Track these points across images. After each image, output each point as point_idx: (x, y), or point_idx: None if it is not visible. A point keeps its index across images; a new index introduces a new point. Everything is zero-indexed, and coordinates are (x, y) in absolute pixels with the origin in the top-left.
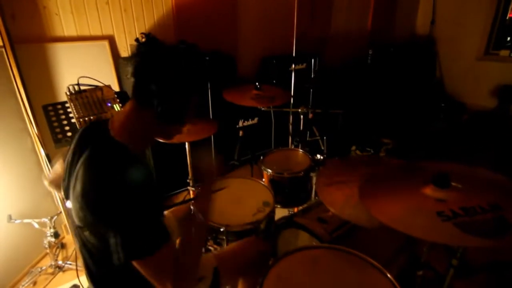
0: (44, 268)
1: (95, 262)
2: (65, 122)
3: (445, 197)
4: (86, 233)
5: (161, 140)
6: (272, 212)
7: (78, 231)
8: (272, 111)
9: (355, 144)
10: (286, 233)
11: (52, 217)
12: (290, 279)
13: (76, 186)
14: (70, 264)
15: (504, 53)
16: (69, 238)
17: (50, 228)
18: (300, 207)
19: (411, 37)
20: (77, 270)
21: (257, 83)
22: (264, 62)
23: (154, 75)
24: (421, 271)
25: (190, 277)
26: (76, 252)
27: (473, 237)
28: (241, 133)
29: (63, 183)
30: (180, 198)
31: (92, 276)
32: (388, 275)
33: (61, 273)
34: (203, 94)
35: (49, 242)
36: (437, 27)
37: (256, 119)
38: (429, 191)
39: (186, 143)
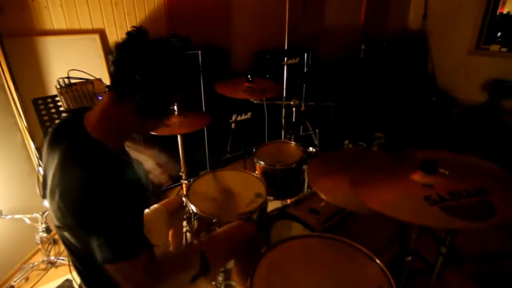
0: (36, 263)
1: (79, 261)
2: (55, 116)
3: (433, 182)
4: (66, 233)
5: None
6: (265, 203)
7: (58, 231)
8: (265, 105)
9: (348, 138)
10: (279, 224)
11: (43, 213)
12: (281, 267)
13: (53, 187)
14: (63, 259)
15: (494, 47)
16: None
17: (41, 223)
18: (293, 199)
19: (403, 32)
20: (69, 265)
21: (249, 76)
22: (257, 57)
23: (140, 65)
24: (409, 257)
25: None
26: None
27: (458, 220)
28: (233, 125)
29: (41, 180)
30: (174, 192)
31: (79, 272)
32: (377, 261)
33: (53, 268)
34: (187, 91)
35: (41, 238)
36: (429, 21)
37: (249, 114)
38: (417, 177)
39: (178, 136)
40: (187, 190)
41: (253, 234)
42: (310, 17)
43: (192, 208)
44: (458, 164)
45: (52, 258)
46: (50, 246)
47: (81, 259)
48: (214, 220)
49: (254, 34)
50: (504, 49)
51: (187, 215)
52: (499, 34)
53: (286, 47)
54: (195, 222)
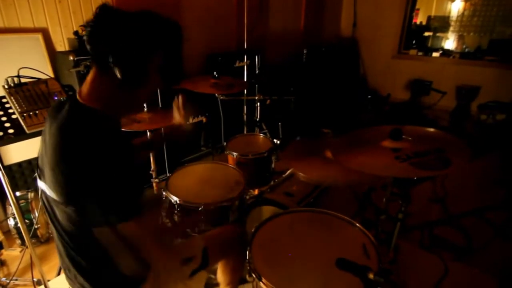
0: None
1: (77, 245)
2: (4, 118)
3: (400, 146)
4: (68, 209)
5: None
6: (245, 189)
7: (54, 211)
8: (219, 103)
9: (298, 134)
10: (253, 213)
11: None
12: (273, 242)
13: (52, 160)
14: (16, 279)
15: (413, 52)
16: (8, 254)
17: None
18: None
19: (337, 38)
20: (33, 281)
21: (215, 72)
22: (209, 59)
23: (108, 34)
24: (383, 215)
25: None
26: (33, 263)
27: (423, 171)
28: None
29: (37, 163)
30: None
31: (75, 264)
32: (357, 225)
33: None
34: (169, 56)
35: None
36: (359, 29)
37: (204, 118)
38: (387, 143)
39: (148, 132)
40: (166, 184)
41: (242, 235)
42: (259, 21)
43: (175, 199)
44: (415, 133)
45: (4, 279)
46: None
47: (74, 241)
48: (200, 209)
49: (205, 37)
50: (420, 53)
51: (166, 209)
52: (414, 42)
53: (246, 47)
54: (177, 214)
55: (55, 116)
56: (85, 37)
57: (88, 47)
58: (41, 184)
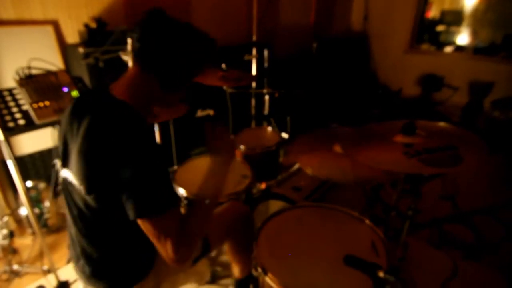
0: None
1: (91, 234)
2: (15, 109)
3: (412, 141)
4: (90, 197)
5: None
6: (252, 183)
7: (78, 200)
8: (228, 97)
9: (307, 129)
10: (260, 206)
11: (2, 217)
12: (280, 237)
13: (86, 150)
14: (28, 267)
15: (425, 47)
16: (20, 242)
17: (1, 229)
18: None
19: (347, 32)
20: (43, 270)
21: (223, 65)
22: (218, 52)
23: (165, 36)
24: (393, 212)
25: (191, 246)
26: (43, 251)
27: (432, 168)
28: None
29: (59, 152)
30: None
31: (86, 255)
32: (366, 221)
33: (17, 278)
34: (203, 70)
35: (2, 246)
36: (370, 23)
37: (211, 111)
38: (399, 138)
39: (156, 126)
40: (173, 177)
41: (246, 213)
42: (267, 15)
43: (182, 192)
44: (431, 128)
45: (16, 267)
46: (10, 255)
47: (93, 230)
48: (206, 202)
49: (214, 30)
50: (432, 48)
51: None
52: (427, 36)
53: (255, 40)
54: (184, 207)
55: (89, 109)
56: (135, 36)
57: (136, 45)
58: (64, 171)
